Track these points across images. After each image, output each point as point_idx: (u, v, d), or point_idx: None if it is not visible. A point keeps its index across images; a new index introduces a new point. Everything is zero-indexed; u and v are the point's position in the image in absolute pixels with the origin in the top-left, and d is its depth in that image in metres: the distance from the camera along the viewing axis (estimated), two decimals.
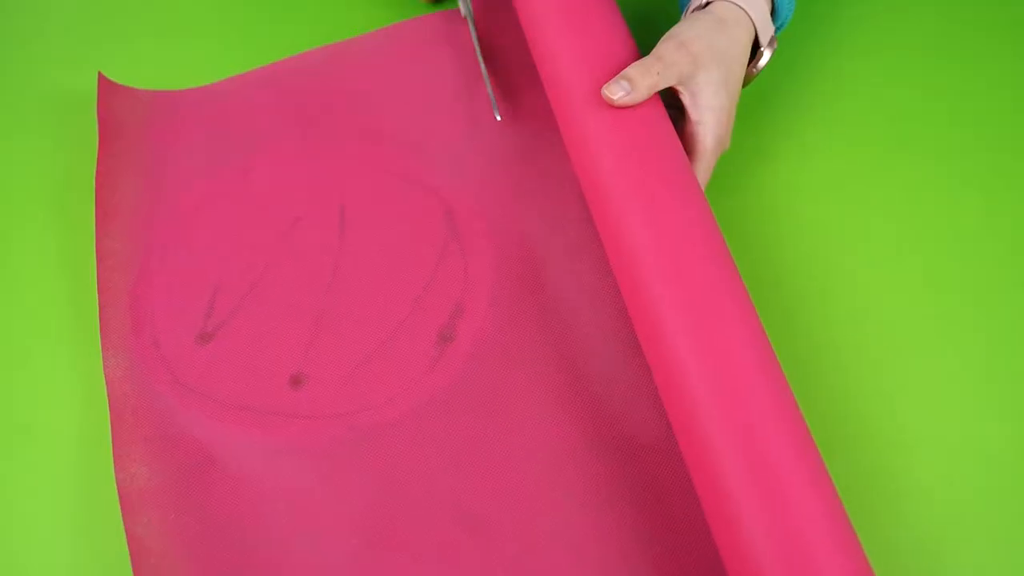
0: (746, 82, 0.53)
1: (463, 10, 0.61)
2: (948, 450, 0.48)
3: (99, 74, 0.61)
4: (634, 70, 0.47)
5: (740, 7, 0.50)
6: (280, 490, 0.47)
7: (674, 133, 0.48)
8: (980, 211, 0.54)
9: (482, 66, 0.59)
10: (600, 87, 0.48)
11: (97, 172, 0.57)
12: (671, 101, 0.51)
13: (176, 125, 0.60)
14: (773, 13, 0.52)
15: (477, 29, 0.61)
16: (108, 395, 0.50)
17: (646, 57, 0.48)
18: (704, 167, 0.50)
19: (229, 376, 0.50)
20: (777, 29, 0.53)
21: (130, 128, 0.59)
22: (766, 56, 0.52)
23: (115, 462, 0.48)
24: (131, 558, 0.46)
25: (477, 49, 0.60)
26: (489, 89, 0.58)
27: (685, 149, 0.50)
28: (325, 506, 0.47)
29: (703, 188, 0.51)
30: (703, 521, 0.46)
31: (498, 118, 0.57)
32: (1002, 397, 0.49)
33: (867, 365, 0.50)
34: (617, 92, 0.47)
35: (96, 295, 0.54)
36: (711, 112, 0.49)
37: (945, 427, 0.48)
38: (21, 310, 0.55)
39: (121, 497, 0.47)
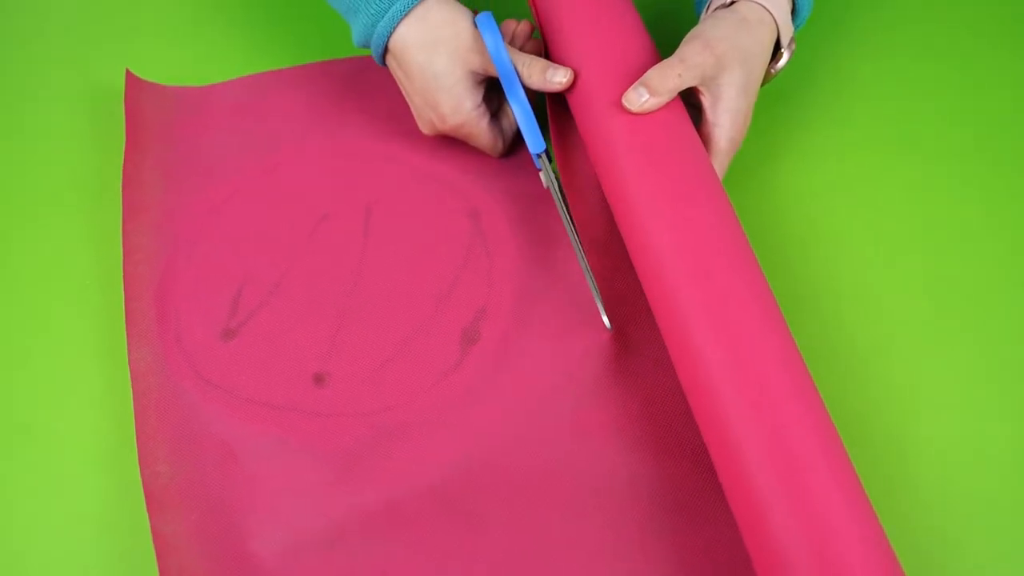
0: (763, 82, 0.53)
1: (544, 181, 0.52)
2: (957, 447, 0.48)
3: (126, 70, 0.61)
4: (654, 74, 0.47)
5: (764, 7, 0.50)
6: (300, 488, 0.47)
7: (695, 134, 0.48)
8: (987, 213, 0.55)
9: (581, 260, 0.50)
10: (620, 92, 0.48)
11: (124, 167, 0.57)
12: (689, 99, 0.51)
13: (203, 120, 0.60)
14: (793, 13, 0.52)
15: (567, 203, 0.52)
16: (133, 390, 0.50)
17: (667, 59, 0.48)
18: (718, 166, 0.50)
19: (252, 373, 0.50)
20: (795, 29, 0.53)
21: (157, 123, 0.59)
22: (785, 57, 0.52)
23: (140, 459, 0.48)
24: (157, 556, 0.45)
25: (570, 230, 0.51)
26: (594, 288, 0.50)
27: None
28: (345, 505, 0.46)
29: None
30: (727, 525, 0.45)
31: (608, 327, 0.49)
32: (1005, 395, 0.49)
33: (878, 363, 0.50)
34: (636, 101, 0.47)
35: (122, 290, 0.54)
36: (729, 114, 0.49)
37: (955, 424, 0.48)
38: (48, 306, 0.54)
39: (146, 495, 0.47)
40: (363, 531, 0.45)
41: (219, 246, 0.55)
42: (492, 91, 0.55)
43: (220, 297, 0.53)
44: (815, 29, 0.63)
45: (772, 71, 0.53)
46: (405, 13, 0.50)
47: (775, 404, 0.40)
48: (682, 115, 0.48)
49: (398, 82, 0.54)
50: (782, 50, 0.52)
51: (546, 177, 0.52)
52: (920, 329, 0.51)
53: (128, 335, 0.52)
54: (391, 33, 0.51)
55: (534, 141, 0.51)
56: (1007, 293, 0.52)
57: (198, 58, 0.64)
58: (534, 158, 0.52)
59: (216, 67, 0.64)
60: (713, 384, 0.41)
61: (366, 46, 0.53)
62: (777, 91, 0.60)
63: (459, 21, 0.51)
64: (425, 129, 0.54)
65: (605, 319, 0.49)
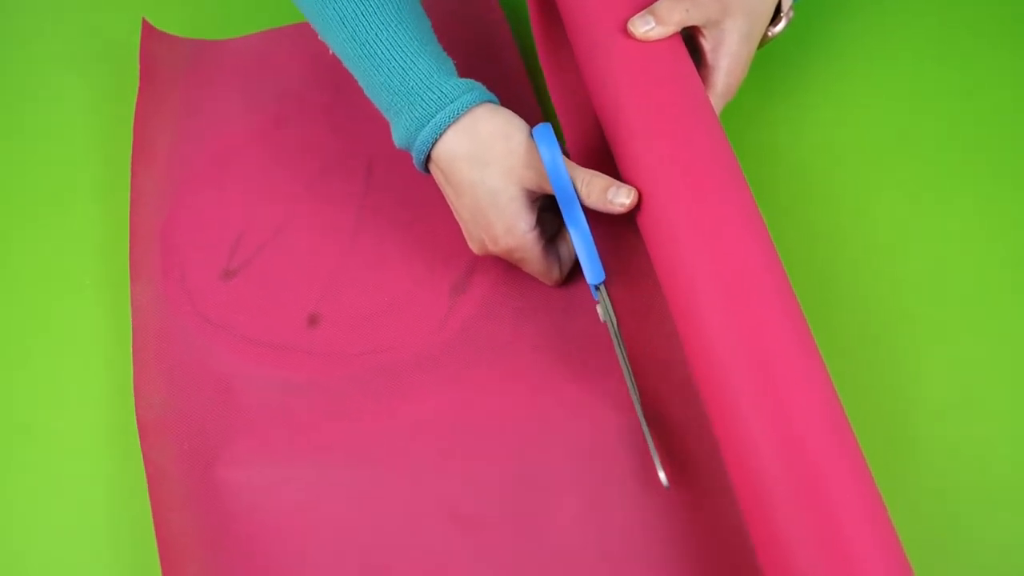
0: (760, 44, 0.53)
1: (601, 315, 0.48)
2: (952, 450, 0.46)
3: (143, 19, 0.63)
4: (663, 5, 0.48)
5: None
6: (290, 423, 0.48)
7: (693, 68, 0.48)
8: (985, 213, 0.53)
9: (638, 407, 0.46)
10: (625, 20, 0.48)
11: (135, 113, 0.59)
12: (689, 45, 0.51)
13: (214, 73, 0.62)
14: None
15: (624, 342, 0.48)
16: (133, 324, 0.52)
17: None
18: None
19: (248, 312, 0.52)
20: None
21: (169, 73, 0.62)
22: (782, 23, 0.52)
23: (135, 389, 0.50)
24: (148, 483, 0.47)
25: (627, 372, 0.47)
26: (650, 442, 0.45)
27: None
28: (332, 440, 0.48)
29: None
30: (721, 510, 0.44)
31: (665, 484, 0.44)
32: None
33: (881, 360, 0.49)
34: (641, 27, 0.47)
35: (128, 229, 0.56)
36: (729, 59, 0.49)
37: (961, 421, 0.47)
38: (48, 306, 0.55)
39: (139, 424, 0.48)
40: (348, 465, 0.47)
41: (223, 192, 0.57)
42: (548, 210, 0.49)
43: (222, 239, 0.55)
44: (813, 28, 0.62)
45: (769, 34, 0.53)
46: (452, 121, 0.46)
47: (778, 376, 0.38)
48: (685, 54, 0.49)
49: (444, 194, 0.49)
50: (782, 14, 0.52)
51: (603, 311, 0.47)
52: (917, 324, 0.50)
53: (131, 272, 0.54)
54: (435, 141, 0.46)
55: (593, 271, 0.46)
56: (1010, 294, 0.51)
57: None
58: (592, 289, 0.47)
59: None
60: (714, 348, 0.40)
61: (407, 149, 0.48)
62: (768, 87, 0.59)
63: (513, 134, 0.46)
64: (475, 248, 0.49)
65: (662, 475, 0.44)
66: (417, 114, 0.46)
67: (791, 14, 0.53)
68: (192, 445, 0.48)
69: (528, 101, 0.59)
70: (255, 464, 0.47)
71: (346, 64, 0.49)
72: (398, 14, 0.47)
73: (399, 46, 0.46)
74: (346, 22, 0.47)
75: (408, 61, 0.46)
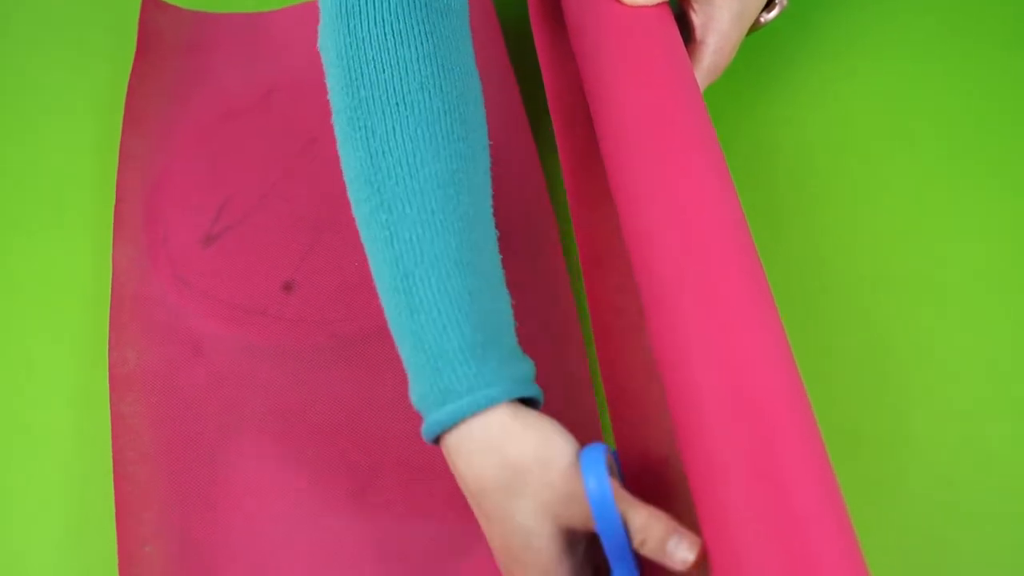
0: (752, 29, 0.53)
1: None
2: (951, 450, 0.46)
3: None
4: None
5: None
6: (257, 384, 0.50)
7: (680, 40, 0.47)
8: (985, 212, 0.53)
9: None
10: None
11: (130, 79, 0.61)
12: (680, 21, 0.51)
13: (212, 43, 0.64)
14: None
15: None
16: (112, 282, 0.53)
17: None
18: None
19: (225, 276, 0.54)
20: None
21: (167, 41, 0.64)
22: (776, 11, 0.52)
23: (110, 344, 0.51)
24: (112, 435, 0.48)
25: None
26: None
27: None
28: (298, 403, 0.49)
29: None
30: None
31: None
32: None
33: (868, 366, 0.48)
34: None
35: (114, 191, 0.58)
36: (718, 37, 0.49)
37: (952, 425, 0.46)
38: (48, 306, 0.55)
39: (111, 377, 0.50)
40: (312, 432, 0.48)
41: (212, 159, 0.58)
42: (596, 543, 0.40)
43: (206, 205, 0.56)
44: (811, 26, 0.62)
45: (762, 20, 0.53)
46: (470, 416, 0.36)
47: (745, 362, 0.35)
48: (673, 25, 0.48)
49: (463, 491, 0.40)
50: (776, 1, 0.52)
51: None
52: (909, 331, 0.49)
53: (115, 233, 0.55)
54: (449, 430, 0.37)
55: None
56: (1008, 294, 0.50)
57: None
58: None
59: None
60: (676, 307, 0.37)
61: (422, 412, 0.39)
62: (768, 86, 0.59)
63: (551, 459, 0.36)
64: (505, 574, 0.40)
65: None
66: (440, 386, 0.37)
67: (785, 3, 0.53)
68: (158, 400, 0.49)
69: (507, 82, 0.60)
70: (219, 425, 0.49)
71: (376, 283, 0.40)
72: (459, 247, 0.38)
73: (447, 294, 0.37)
74: (394, 241, 0.38)
75: (448, 318, 0.37)
